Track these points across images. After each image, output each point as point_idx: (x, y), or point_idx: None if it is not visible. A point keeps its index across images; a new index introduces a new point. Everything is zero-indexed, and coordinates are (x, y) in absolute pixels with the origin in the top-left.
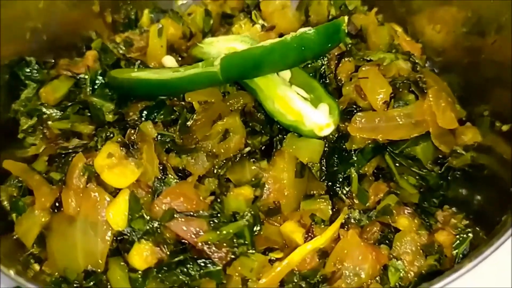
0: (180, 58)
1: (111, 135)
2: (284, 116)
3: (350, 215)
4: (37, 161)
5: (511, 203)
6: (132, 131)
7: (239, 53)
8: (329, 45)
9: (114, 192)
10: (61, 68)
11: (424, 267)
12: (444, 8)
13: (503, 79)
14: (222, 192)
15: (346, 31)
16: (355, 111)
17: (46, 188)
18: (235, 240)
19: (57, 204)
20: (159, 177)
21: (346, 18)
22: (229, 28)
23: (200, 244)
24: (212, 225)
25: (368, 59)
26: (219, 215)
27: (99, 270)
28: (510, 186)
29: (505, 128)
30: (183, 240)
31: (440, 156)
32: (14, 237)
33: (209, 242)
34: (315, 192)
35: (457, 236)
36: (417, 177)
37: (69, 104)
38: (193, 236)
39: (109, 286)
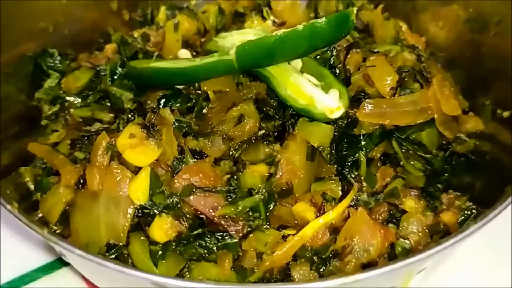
0: (194, 53)
1: (132, 118)
2: (296, 100)
3: (358, 197)
4: (60, 145)
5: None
6: (152, 115)
7: (253, 41)
8: (339, 34)
9: (135, 171)
10: (82, 61)
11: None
12: (447, 5)
13: (503, 69)
14: (239, 169)
15: (355, 21)
16: (363, 98)
17: (70, 166)
18: (250, 214)
19: (81, 181)
20: (178, 157)
21: (354, 8)
22: (241, 26)
23: (217, 218)
24: (229, 200)
25: (375, 50)
26: (235, 190)
27: (120, 244)
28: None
29: (506, 114)
30: (201, 215)
31: (444, 142)
32: (39, 216)
33: (226, 216)
34: (325, 175)
35: (462, 213)
36: (422, 161)
37: (90, 93)
38: (211, 210)
39: (130, 260)
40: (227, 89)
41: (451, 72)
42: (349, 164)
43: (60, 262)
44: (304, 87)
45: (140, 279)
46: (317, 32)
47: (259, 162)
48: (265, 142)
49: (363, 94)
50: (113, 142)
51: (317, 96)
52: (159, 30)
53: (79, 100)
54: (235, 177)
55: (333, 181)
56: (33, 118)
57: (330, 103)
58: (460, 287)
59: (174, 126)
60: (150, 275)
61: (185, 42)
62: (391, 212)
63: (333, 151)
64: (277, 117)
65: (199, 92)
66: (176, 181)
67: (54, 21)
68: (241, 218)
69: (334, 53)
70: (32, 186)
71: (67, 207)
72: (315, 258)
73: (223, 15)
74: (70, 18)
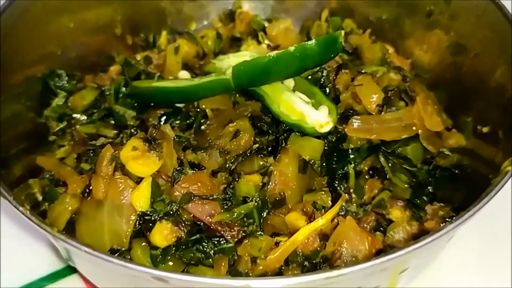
0: (194, 75)
1: (135, 133)
2: (288, 116)
3: (348, 208)
4: (66, 158)
5: None
6: (154, 130)
7: (249, 62)
8: (328, 55)
9: (138, 181)
10: (88, 81)
11: None
12: (430, 30)
13: (482, 88)
14: (234, 179)
15: (343, 43)
16: (351, 115)
17: (77, 176)
18: (245, 220)
19: (87, 191)
20: (177, 168)
21: (342, 31)
22: (238, 50)
23: (214, 224)
24: (225, 207)
25: (363, 71)
26: (231, 198)
27: (123, 249)
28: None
29: (485, 130)
30: (199, 222)
31: (429, 156)
32: None
33: (222, 222)
34: (316, 187)
35: (446, 220)
36: (408, 174)
37: (95, 110)
38: (208, 217)
39: None
40: (224, 107)
41: (435, 92)
42: (338, 176)
43: (66, 270)
44: (295, 104)
45: (143, 273)
46: (308, 53)
47: (254, 172)
48: (260, 155)
49: (351, 111)
50: (117, 154)
51: (308, 112)
52: (161, 53)
53: (85, 117)
54: (231, 186)
55: (323, 192)
56: (41, 135)
57: (320, 118)
58: (460, 287)
59: (174, 140)
60: (153, 270)
61: (184, 65)
62: (378, 221)
63: (323, 164)
64: (270, 132)
65: (198, 110)
66: (175, 189)
67: (63, 44)
68: (236, 224)
69: (325, 73)
70: (40, 197)
71: (73, 215)
72: (306, 263)
73: (221, 39)
74: (77, 42)
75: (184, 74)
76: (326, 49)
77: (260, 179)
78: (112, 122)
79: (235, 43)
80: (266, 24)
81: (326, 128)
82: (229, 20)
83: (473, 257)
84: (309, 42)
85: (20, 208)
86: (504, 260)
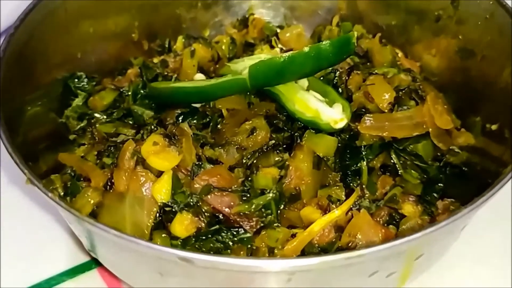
0: (209, 78)
1: (155, 129)
2: (303, 114)
3: (361, 203)
4: (87, 155)
5: None
6: (173, 127)
7: (264, 61)
8: (342, 55)
9: (158, 175)
10: (106, 83)
11: None
12: (439, 35)
13: (490, 91)
14: (252, 171)
15: (356, 44)
16: (364, 113)
17: (99, 170)
18: (263, 211)
19: (109, 184)
20: (196, 163)
21: (356, 32)
22: (251, 54)
23: (233, 215)
24: (243, 199)
25: (374, 72)
26: (249, 190)
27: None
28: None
29: (494, 127)
30: (218, 213)
31: (439, 153)
32: None
33: (241, 213)
34: (330, 182)
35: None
36: (419, 170)
37: (114, 110)
38: (227, 208)
39: None
40: (240, 107)
41: (444, 94)
42: (351, 172)
43: (86, 266)
44: (310, 102)
45: (169, 255)
46: (322, 53)
47: (271, 166)
48: (276, 151)
49: (364, 109)
50: (138, 149)
51: (322, 109)
52: (177, 57)
53: (105, 116)
54: (249, 178)
55: (337, 187)
56: (61, 134)
57: (334, 115)
58: (460, 287)
59: (192, 138)
60: (179, 251)
61: (200, 68)
62: (391, 214)
63: (337, 161)
64: (286, 129)
65: (214, 109)
66: (196, 182)
67: (83, 49)
68: (254, 215)
69: (337, 74)
70: (62, 192)
71: (95, 208)
72: (322, 254)
73: (235, 44)
74: (96, 46)
75: (200, 76)
76: (340, 49)
77: (277, 172)
78: (131, 122)
79: (248, 48)
80: (278, 30)
81: (340, 124)
82: (242, 26)
83: (473, 256)
84: (324, 43)
85: (50, 194)
86: (504, 260)
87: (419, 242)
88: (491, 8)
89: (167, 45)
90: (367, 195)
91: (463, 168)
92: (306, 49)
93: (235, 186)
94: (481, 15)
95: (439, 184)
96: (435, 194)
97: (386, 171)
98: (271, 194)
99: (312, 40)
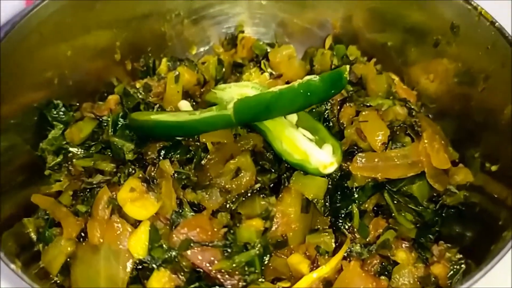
0: (194, 103)
1: (133, 171)
2: (291, 155)
3: (352, 248)
4: (62, 196)
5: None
6: (152, 168)
7: (251, 98)
8: (333, 91)
9: (135, 224)
10: (85, 111)
11: None
12: (437, 60)
13: (491, 124)
14: (235, 223)
15: (348, 78)
16: (356, 151)
17: (72, 219)
18: (246, 269)
19: (82, 234)
20: (176, 210)
21: (348, 66)
22: (239, 76)
23: (214, 272)
24: (225, 254)
25: (368, 104)
26: (232, 245)
27: None
28: (499, 221)
29: (494, 168)
30: (198, 268)
31: (435, 194)
32: (40, 267)
33: (222, 270)
34: (319, 226)
35: (451, 267)
36: (413, 213)
37: (93, 143)
38: (207, 264)
39: None
40: (225, 141)
41: (442, 122)
42: (342, 215)
43: None
44: (298, 141)
45: None
46: (312, 89)
47: (255, 216)
48: (261, 195)
49: (356, 147)
50: (114, 195)
51: (312, 151)
52: (160, 80)
53: (82, 151)
54: (231, 231)
55: (326, 233)
56: (37, 167)
57: (324, 158)
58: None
59: (173, 178)
60: None
61: (185, 93)
62: (383, 264)
63: (327, 203)
64: (273, 170)
65: (198, 143)
66: (174, 235)
67: (59, 73)
68: (236, 272)
69: (329, 106)
70: (34, 237)
71: (68, 259)
72: None
73: (222, 65)
74: (75, 68)
75: (184, 104)
76: (331, 85)
77: (262, 224)
78: (110, 154)
79: (236, 69)
80: (269, 50)
81: (330, 169)
82: (231, 45)
83: None
84: (314, 78)
85: (11, 266)
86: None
87: None
88: (492, 38)
89: (151, 65)
90: (358, 239)
91: (461, 209)
92: (295, 85)
93: (217, 239)
94: (482, 44)
95: (435, 227)
96: (430, 236)
97: (379, 210)
98: (254, 250)
99: (304, 62)
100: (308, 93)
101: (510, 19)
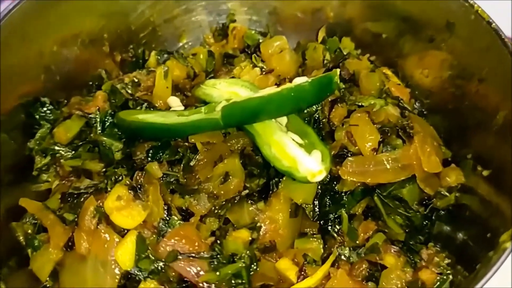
0: (184, 97)
1: (120, 178)
2: (280, 161)
3: (340, 252)
4: (50, 199)
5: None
6: (139, 174)
7: (239, 103)
8: (323, 95)
9: (123, 232)
10: (73, 107)
11: None
12: (431, 55)
13: (484, 126)
14: (222, 234)
15: (339, 82)
16: (346, 155)
17: (59, 228)
18: (233, 281)
19: (69, 243)
20: (164, 218)
21: (338, 70)
22: (230, 69)
23: (201, 283)
24: (212, 265)
25: (360, 104)
26: (218, 256)
27: None
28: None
29: (485, 173)
30: (185, 279)
31: (425, 197)
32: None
33: (209, 282)
34: (308, 230)
35: (438, 277)
36: (403, 217)
37: (80, 143)
38: (194, 275)
39: None
40: (214, 141)
41: (435, 119)
42: (331, 219)
43: None
44: (288, 147)
45: None
46: (301, 94)
47: (243, 224)
48: (250, 201)
49: (346, 151)
50: (101, 204)
51: (300, 158)
52: (150, 74)
53: (70, 150)
54: (218, 242)
55: (315, 239)
56: (25, 167)
57: (313, 166)
58: None
59: (161, 181)
60: None
61: (175, 86)
62: (371, 270)
63: (316, 208)
64: (261, 175)
65: (187, 144)
66: (161, 246)
67: (46, 68)
68: (223, 283)
69: (319, 107)
70: (23, 241)
71: (57, 266)
72: None
73: (213, 58)
74: (62, 64)
75: (173, 100)
76: (321, 90)
77: (248, 235)
78: (98, 152)
79: (228, 61)
80: (261, 39)
81: (318, 178)
82: (222, 36)
83: None
84: (303, 83)
85: None
86: None
87: None
88: (487, 38)
89: (141, 55)
90: (347, 242)
91: (452, 212)
92: (285, 90)
93: (204, 250)
94: (478, 44)
95: (425, 230)
96: (420, 237)
97: (369, 212)
98: (241, 261)
99: (296, 56)
100: (298, 98)
101: (510, 19)
